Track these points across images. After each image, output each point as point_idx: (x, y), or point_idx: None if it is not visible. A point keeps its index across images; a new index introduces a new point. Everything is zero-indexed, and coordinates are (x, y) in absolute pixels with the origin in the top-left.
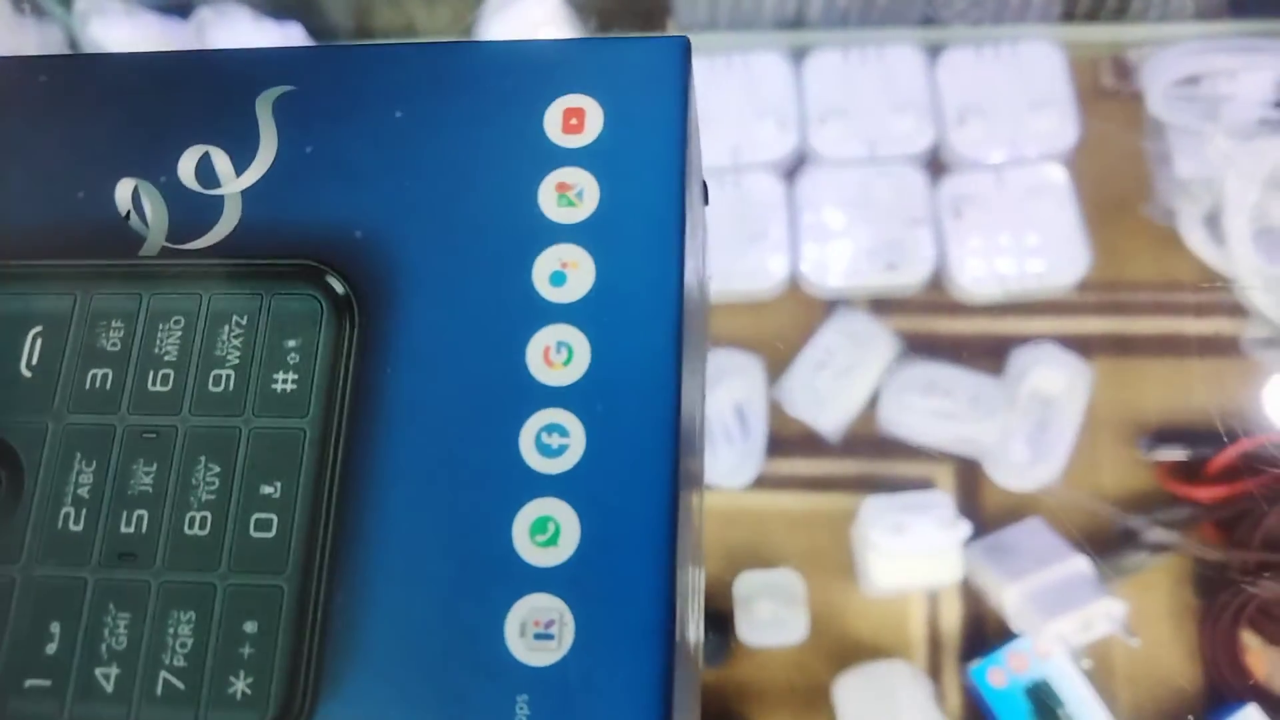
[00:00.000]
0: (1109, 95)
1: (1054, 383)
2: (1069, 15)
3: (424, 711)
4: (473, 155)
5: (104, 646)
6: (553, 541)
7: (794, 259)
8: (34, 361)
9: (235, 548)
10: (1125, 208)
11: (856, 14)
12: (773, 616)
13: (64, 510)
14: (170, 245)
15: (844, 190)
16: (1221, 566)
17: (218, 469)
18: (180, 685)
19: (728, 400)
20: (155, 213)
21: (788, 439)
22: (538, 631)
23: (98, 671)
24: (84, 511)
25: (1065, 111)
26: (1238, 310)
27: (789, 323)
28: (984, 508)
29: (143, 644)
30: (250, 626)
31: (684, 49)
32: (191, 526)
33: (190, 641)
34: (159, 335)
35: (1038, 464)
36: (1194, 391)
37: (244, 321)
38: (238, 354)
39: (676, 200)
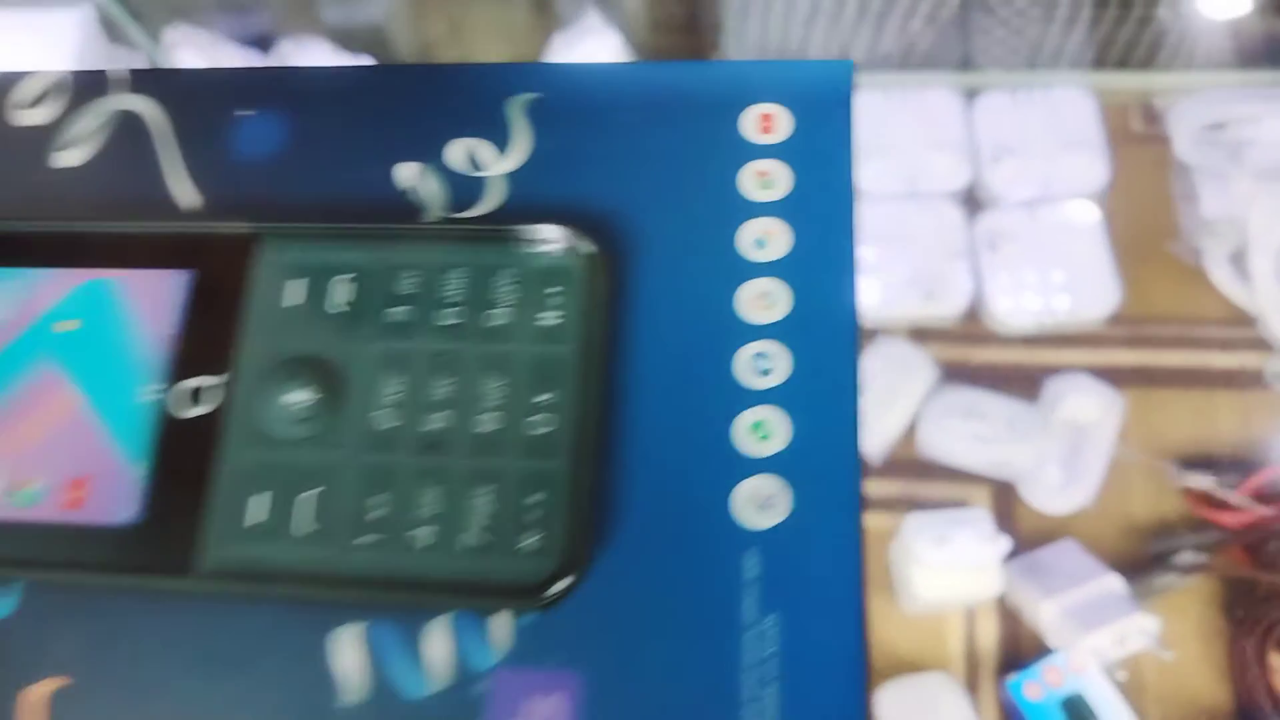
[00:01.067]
0: (1138, 139)
1: (1087, 410)
2: (1100, 63)
3: (673, 564)
4: (685, 149)
5: (420, 510)
6: (767, 437)
7: None
8: (346, 302)
9: (519, 440)
10: (1153, 245)
11: (897, 58)
12: None
13: (379, 411)
14: (448, 215)
15: (884, 223)
16: (1249, 588)
17: (500, 383)
18: (482, 542)
19: None
20: (434, 190)
21: None
22: (759, 504)
23: (413, 533)
24: (396, 412)
25: (1096, 153)
26: (1261, 345)
27: None
28: (1019, 529)
29: (452, 511)
30: (535, 498)
31: (850, 69)
32: (483, 425)
33: (488, 510)
34: (445, 281)
35: (1071, 488)
36: (1220, 422)
37: (514, 272)
38: (511, 296)
39: (849, 183)
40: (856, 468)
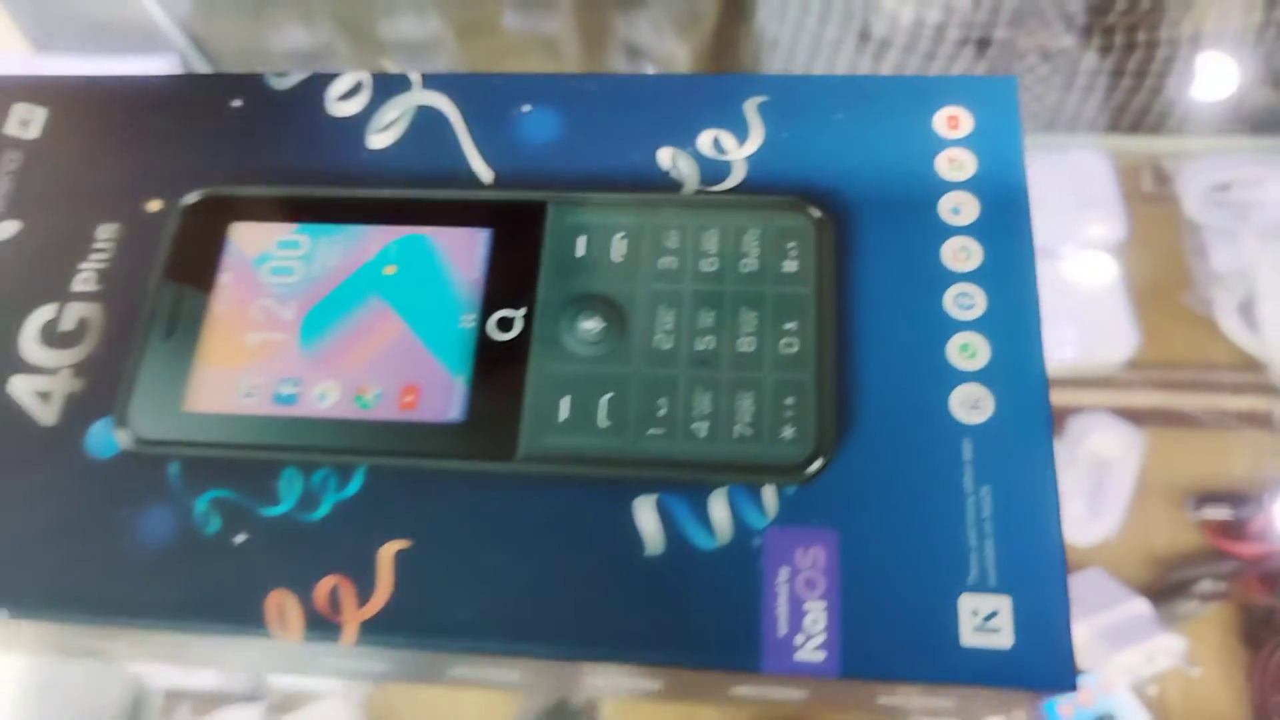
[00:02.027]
0: (1150, 198)
1: (1109, 448)
2: (1114, 127)
3: (905, 449)
4: (890, 140)
5: (696, 410)
6: (973, 356)
7: None
8: (623, 252)
9: (773, 357)
10: (1168, 296)
11: None
12: None
13: (656, 336)
14: (701, 188)
15: None
16: (1266, 615)
17: (755, 314)
18: (750, 432)
19: None
20: (689, 169)
21: None
22: (970, 405)
23: (693, 426)
24: (671, 337)
25: (1113, 210)
26: (1270, 389)
27: None
28: None
29: (723, 409)
30: (789, 401)
31: (1015, 82)
32: (743, 346)
33: (751, 409)
34: (703, 237)
35: (1095, 520)
36: (1234, 460)
37: (758, 232)
38: (756, 249)
39: (1021, 165)
40: (1043, 379)
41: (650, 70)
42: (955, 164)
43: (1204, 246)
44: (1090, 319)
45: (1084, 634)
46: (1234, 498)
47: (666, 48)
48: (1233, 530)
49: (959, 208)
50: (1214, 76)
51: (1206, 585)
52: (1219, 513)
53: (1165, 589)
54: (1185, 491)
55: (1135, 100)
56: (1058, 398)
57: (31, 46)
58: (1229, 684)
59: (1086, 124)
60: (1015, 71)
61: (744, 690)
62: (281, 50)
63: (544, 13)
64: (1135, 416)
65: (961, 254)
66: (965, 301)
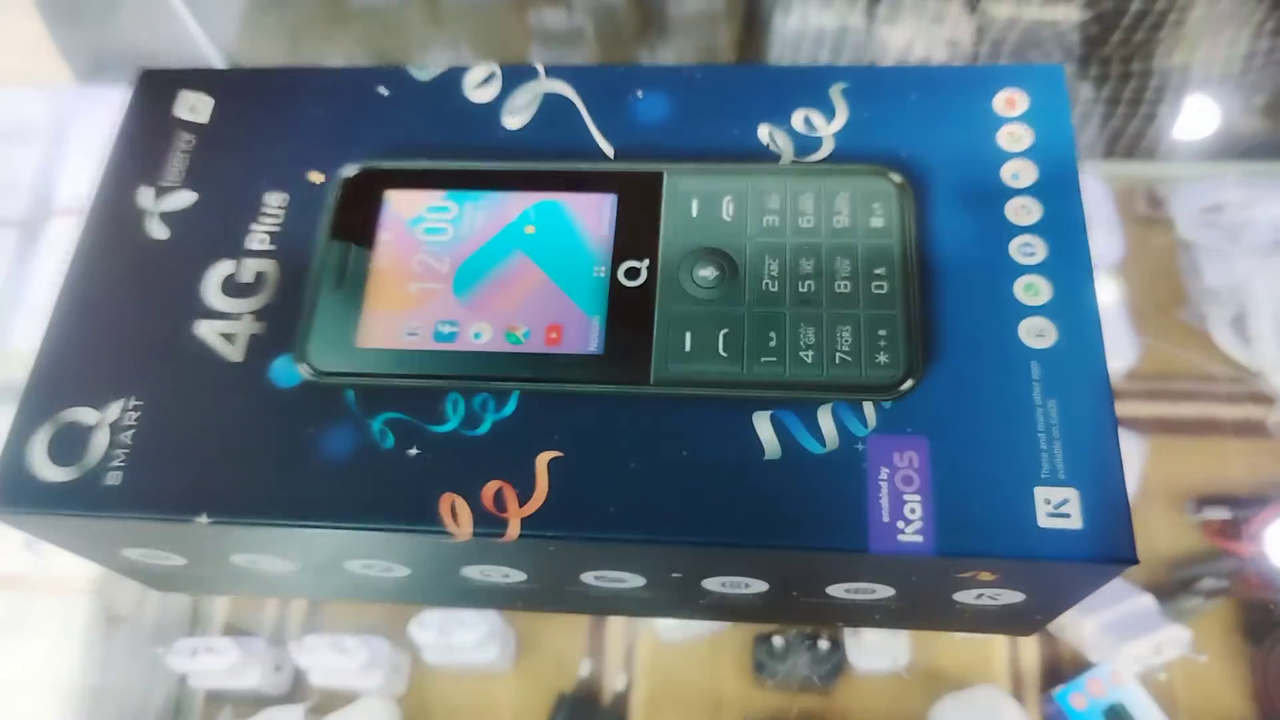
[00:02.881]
0: (1145, 220)
1: None
2: (1109, 154)
3: (983, 369)
4: (955, 118)
5: (802, 341)
6: (1037, 294)
7: None
8: (731, 212)
9: (866, 297)
10: (1164, 312)
11: None
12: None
13: (764, 281)
14: (796, 160)
15: None
16: (1266, 610)
17: (848, 261)
18: (849, 359)
19: None
20: (784, 143)
21: None
22: (1036, 334)
23: (800, 354)
24: (776, 281)
25: (1111, 231)
26: (1263, 398)
27: None
28: None
29: (825, 340)
30: (882, 331)
31: (1062, 68)
32: (841, 287)
33: (849, 339)
34: (800, 199)
35: None
36: (1231, 466)
37: (848, 193)
38: (847, 208)
39: (1071, 137)
40: (1096, 313)
41: None
42: (1014, 137)
43: (1197, 265)
44: None
45: (1093, 628)
46: (1232, 500)
47: None
48: (1232, 530)
49: (1018, 174)
50: (1204, 105)
51: (1209, 583)
52: (1218, 513)
53: (1169, 587)
54: (1185, 495)
55: (1130, 127)
56: None
57: (78, 78)
58: (1233, 675)
59: (1084, 150)
60: None
61: (839, 591)
62: None
63: (569, 46)
64: (1136, 425)
65: (1023, 211)
66: (1028, 250)
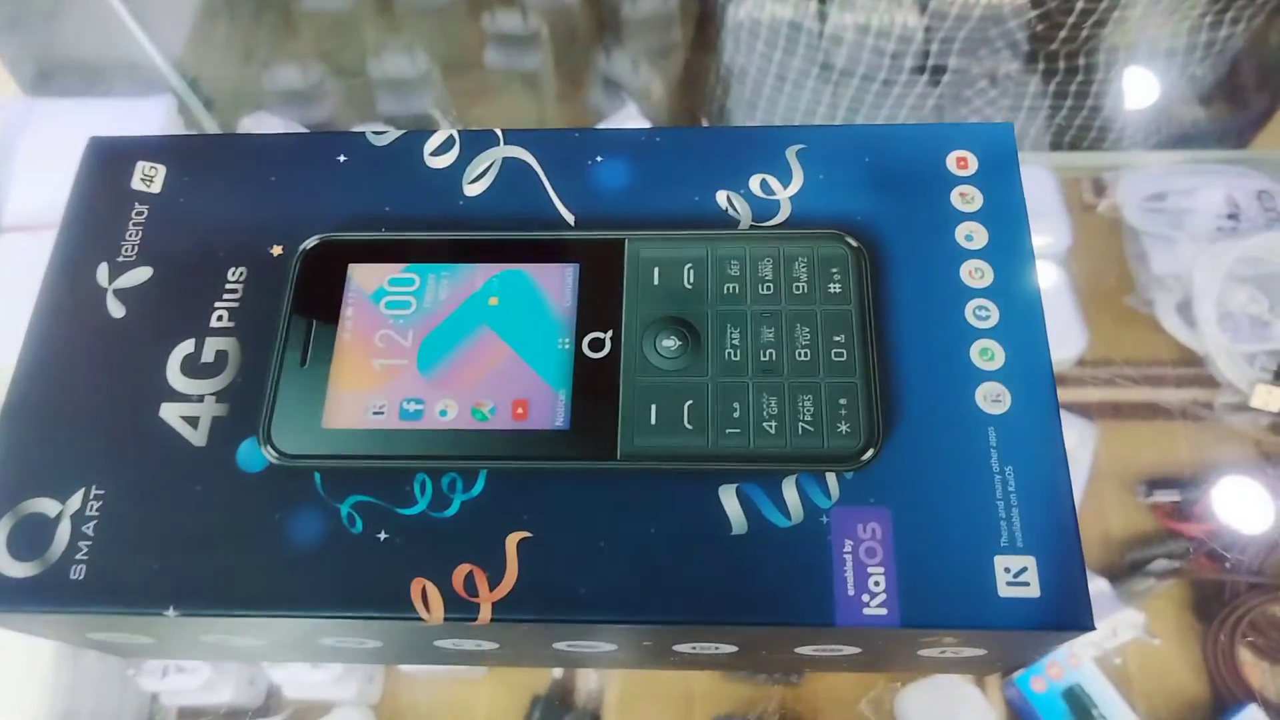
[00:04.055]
0: (1092, 209)
1: (1066, 441)
2: (1057, 145)
3: (942, 437)
4: (910, 179)
5: (765, 412)
6: (992, 359)
7: None
8: (692, 280)
9: (826, 365)
10: (1112, 299)
11: None
12: None
13: (726, 350)
14: (754, 224)
15: None
16: (1217, 589)
17: (808, 329)
18: (811, 429)
19: None
20: (743, 208)
21: None
22: (992, 399)
23: (763, 424)
24: (737, 350)
25: (1059, 221)
26: (1210, 382)
27: None
28: None
29: (787, 410)
30: (843, 400)
31: (1012, 128)
32: (800, 355)
33: (811, 408)
34: (759, 265)
35: None
36: (1180, 448)
37: (805, 258)
38: (805, 274)
39: (1020, 197)
40: (1050, 375)
41: (628, 101)
42: (966, 198)
43: (1144, 252)
44: None
45: None
46: (1181, 482)
47: (642, 80)
48: (1182, 512)
49: (971, 235)
50: (1145, 93)
51: (1160, 564)
52: (1168, 495)
53: (1122, 569)
54: (1135, 478)
55: (1076, 119)
56: None
57: (26, 90)
58: (1186, 654)
59: (1032, 143)
60: (966, 96)
61: (807, 650)
62: (274, 89)
63: (524, 51)
64: (1087, 411)
65: (976, 274)
66: (982, 313)
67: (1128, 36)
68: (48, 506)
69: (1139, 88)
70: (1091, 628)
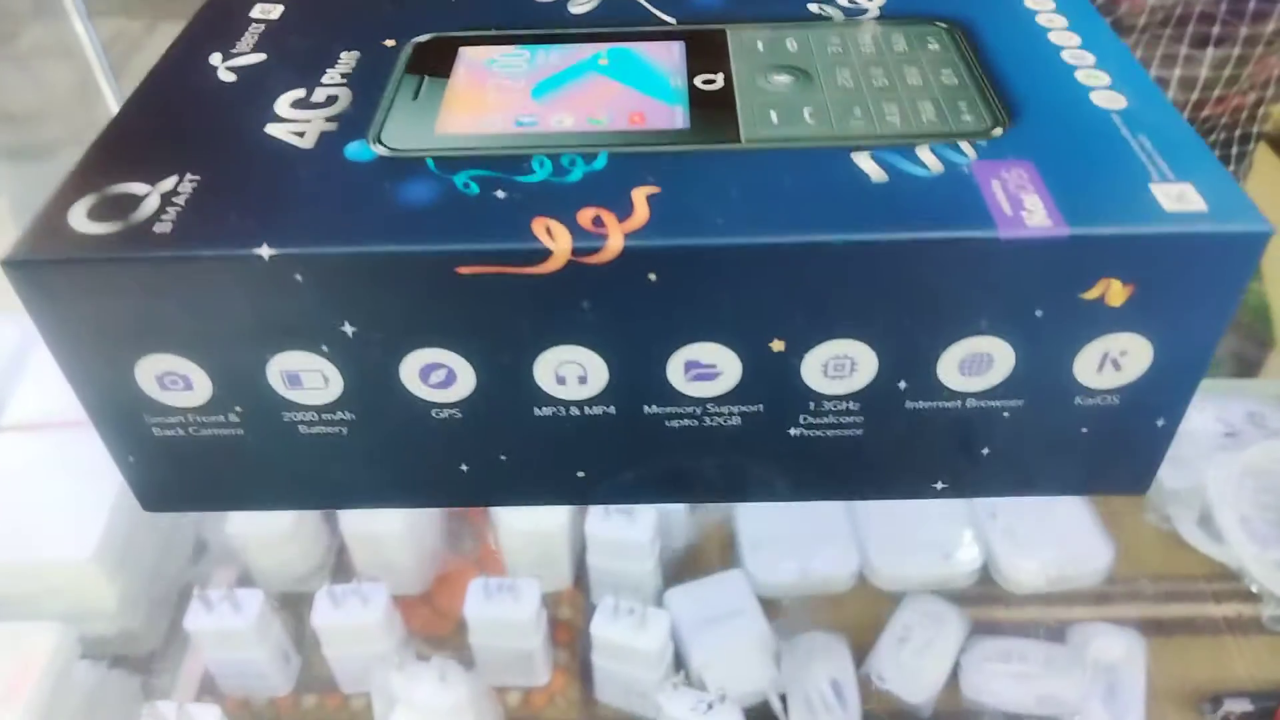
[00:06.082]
0: None
1: (1111, 651)
2: None
3: (1066, 124)
4: None
5: (886, 112)
6: (1099, 80)
7: (862, 555)
8: (795, 47)
9: (939, 86)
10: (1129, 515)
11: None
12: None
13: (839, 81)
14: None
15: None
16: None
17: (915, 68)
18: (935, 121)
19: (823, 675)
20: (834, 13)
21: (880, 713)
22: (1109, 100)
23: (887, 118)
24: (851, 81)
25: None
26: (1250, 596)
27: (864, 610)
28: None
29: (909, 111)
30: (962, 103)
31: None
32: (912, 79)
33: (932, 109)
34: (859, 37)
35: None
36: (1234, 663)
37: (902, 33)
38: (903, 40)
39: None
40: (1160, 94)
41: None
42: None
43: None
44: (1064, 537)
45: None
46: (1249, 694)
47: None
48: None
49: (1050, 22)
50: None
51: None
52: (1239, 705)
53: None
54: (1194, 696)
55: None
56: (1046, 614)
57: None
58: None
59: None
60: None
61: (954, 375)
62: None
63: None
64: (1129, 625)
65: (1065, 36)
66: (1078, 57)
67: None
68: (136, 188)
69: None
70: (1270, 232)
